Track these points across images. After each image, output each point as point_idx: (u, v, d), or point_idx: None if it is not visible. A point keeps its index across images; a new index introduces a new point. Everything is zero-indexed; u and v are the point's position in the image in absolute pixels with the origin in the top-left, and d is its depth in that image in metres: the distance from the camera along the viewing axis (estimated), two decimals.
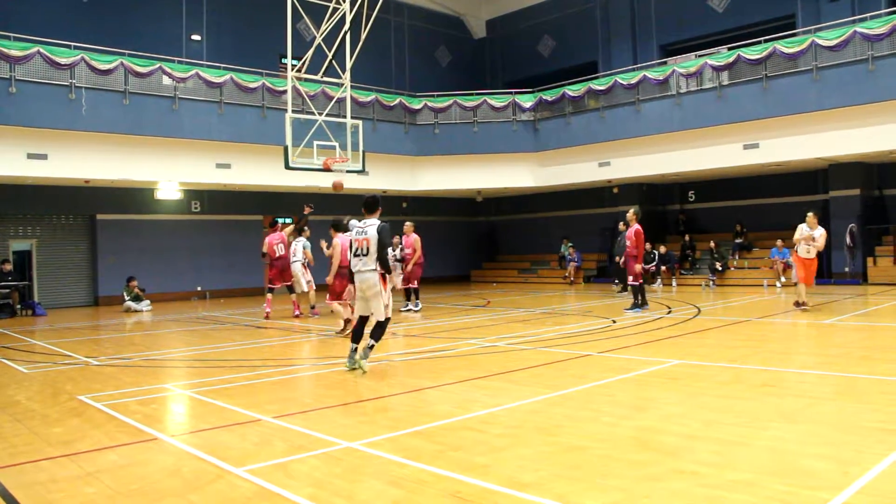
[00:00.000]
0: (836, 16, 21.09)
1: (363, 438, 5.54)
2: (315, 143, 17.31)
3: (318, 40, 17.51)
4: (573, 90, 24.75)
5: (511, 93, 26.21)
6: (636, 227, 14.92)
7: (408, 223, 17.48)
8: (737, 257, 23.68)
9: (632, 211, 15.26)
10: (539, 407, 6.51)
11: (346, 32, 17.51)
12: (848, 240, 21.31)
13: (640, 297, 15.25)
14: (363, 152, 18.20)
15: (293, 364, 9.65)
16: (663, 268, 23.56)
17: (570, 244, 26.93)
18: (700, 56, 22.83)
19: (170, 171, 20.79)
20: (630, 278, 15.46)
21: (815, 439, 5.17)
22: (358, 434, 5.69)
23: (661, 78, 22.76)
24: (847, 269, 21.47)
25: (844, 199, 21.78)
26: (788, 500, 3.98)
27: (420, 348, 10.64)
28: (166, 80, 20.22)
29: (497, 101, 25.84)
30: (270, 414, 6.48)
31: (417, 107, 25.59)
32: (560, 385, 7.41)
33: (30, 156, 18.21)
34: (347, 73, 18.06)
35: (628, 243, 15.13)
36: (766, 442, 5.12)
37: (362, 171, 18.48)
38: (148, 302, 19.91)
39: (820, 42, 19.52)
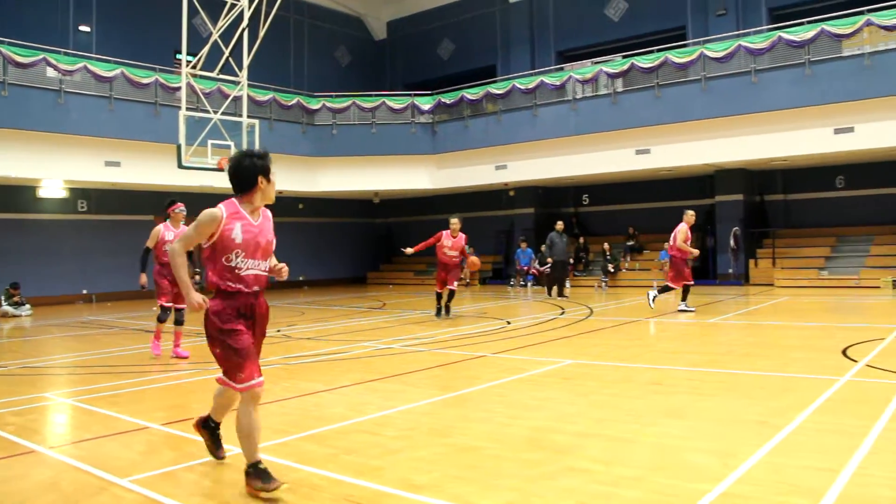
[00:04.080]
0: (723, 29, 22.09)
1: None
2: (210, 142, 16.92)
3: (215, 36, 17.13)
4: (472, 93, 24.97)
5: (410, 95, 26.25)
6: (462, 235, 15.06)
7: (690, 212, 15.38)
8: (628, 259, 24.37)
9: (454, 220, 15.21)
10: (433, 409, 6.51)
11: (243, 29, 17.19)
12: (732, 243, 22.25)
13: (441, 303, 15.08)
14: None
15: (184, 369, 9.36)
16: None
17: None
18: (596, 63, 23.41)
19: (54, 169, 19.82)
20: (455, 284, 15.03)
21: (698, 434, 5.35)
22: None
23: (557, 83, 23.20)
24: (731, 271, 22.42)
25: (729, 203, 22.72)
26: (673, 492, 4.10)
27: (314, 351, 10.50)
28: (51, 73, 19.31)
29: (396, 103, 25.82)
30: (159, 421, 6.26)
31: (316, 107, 25.32)
32: (454, 386, 7.44)
33: None
34: (244, 72, 17.74)
35: (455, 253, 14.96)
36: (654, 438, 5.27)
37: None
38: (28, 306, 18.99)
39: (708, 54, 20.31)
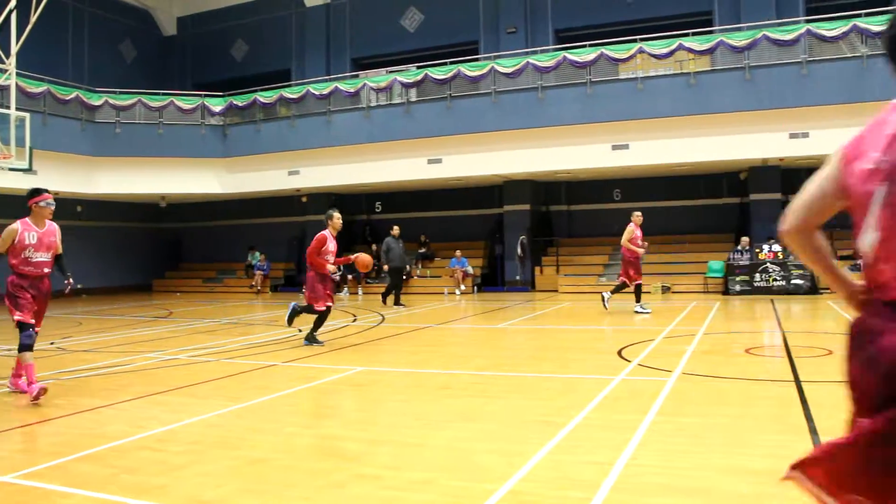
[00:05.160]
0: (513, 47, 23.12)
1: (21, 469, 4.92)
2: None
3: None
4: (265, 97, 24.49)
5: (200, 95, 25.31)
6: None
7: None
8: (420, 267, 24.80)
9: (337, 213, 11.83)
10: (221, 421, 6.27)
11: (11, 11, 15.86)
12: (519, 251, 23.26)
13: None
14: (30, 149, 16.56)
15: None
16: (350, 277, 24.02)
17: (257, 253, 26.56)
18: (391, 72, 23.67)
19: None
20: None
21: (486, 435, 5.50)
22: (15, 465, 5.05)
23: (352, 90, 23.25)
24: (518, 277, 23.42)
25: (516, 213, 23.73)
26: (461, 493, 4.19)
27: (92, 364, 9.83)
28: None
29: (185, 103, 24.80)
30: None
31: (97, 103, 23.77)
32: (243, 397, 7.21)
33: None
34: (13, 59, 16.39)
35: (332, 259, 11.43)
36: (443, 441, 5.35)
37: (29, 170, 16.82)
38: None
39: (498, 69, 21.14)
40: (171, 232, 30.86)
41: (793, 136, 18.56)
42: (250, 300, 22.76)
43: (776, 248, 19.46)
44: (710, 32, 20.04)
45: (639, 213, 15.63)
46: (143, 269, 29.27)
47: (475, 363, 9.17)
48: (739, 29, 19.70)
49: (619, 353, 9.39)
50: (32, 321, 7.49)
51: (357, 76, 25.08)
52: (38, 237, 7.61)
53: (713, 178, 23.13)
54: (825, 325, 12.87)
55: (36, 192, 7.69)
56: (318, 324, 11.08)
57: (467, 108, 21.62)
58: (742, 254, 19.81)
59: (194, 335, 13.20)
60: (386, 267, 19.21)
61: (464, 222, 26.16)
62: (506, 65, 21.20)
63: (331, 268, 10.77)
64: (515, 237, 23.47)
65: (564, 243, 24.30)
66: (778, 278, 19.14)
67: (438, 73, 21.85)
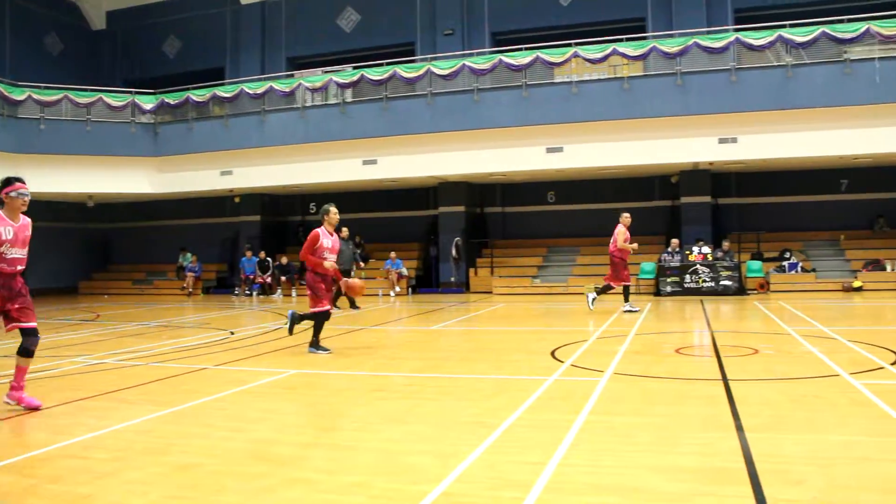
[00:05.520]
0: (450, 49, 23.18)
1: None
2: None
3: None
4: (198, 95, 24.05)
5: (131, 92, 24.70)
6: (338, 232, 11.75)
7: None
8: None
9: (333, 208, 10.70)
10: (149, 426, 6.12)
11: None
12: (453, 252, 23.31)
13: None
14: None
15: None
16: (283, 278, 23.78)
17: (188, 254, 26.07)
18: (327, 72, 23.51)
19: None
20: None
21: (419, 437, 5.49)
22: None
23: (287, 90, 23.01)
24: (453, 279, 23.48)
25: (451, 214, 23.78)
26: (395, 496, 4.16)
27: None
28: None
29: (115, 100, 24.19)
30: None
31: (20, 98, 22.96)
32: (173, 402, 7.05)
33: None
34: None
35: (335, 257, 10.49)
36: (376, 444, 5.32)
37: None
38: None
39: (434, 70, 21.18)
40: (98, 232, 30.05)
41: (722, 140, 19.03)
42: (181, 302, 22.32)
43: (705, 249, 19.91)
44: (644, 39, 20.43)
45: (627, 214, 15.48)
46: (70, 271, 28.44)
47: (409, 365, 9.16)
48: (671, 36, 20.11)
49: (553, 353, 9.46)
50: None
51: (292, 76, 24.83)
52: (14, 232, 6.85)
53: (645, 181, 23.55)
54: (752, 325, 13.20)
55: (7, 182, 6.89)
56: (319, 328, 10.20)
57: (403, 110, 21.60)
58: (672, 255, 20.21)
59: (123, 338, 12.89)
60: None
61: (398, 224, 26.12)
62: (442, 67, 21.24)
63: (328, 265, 10.15)
64: (450, 239, 23.53)
65: (499, 245, 24.46)
66: (707, 279, 19.57)
67: (374, 74, 21.78)
